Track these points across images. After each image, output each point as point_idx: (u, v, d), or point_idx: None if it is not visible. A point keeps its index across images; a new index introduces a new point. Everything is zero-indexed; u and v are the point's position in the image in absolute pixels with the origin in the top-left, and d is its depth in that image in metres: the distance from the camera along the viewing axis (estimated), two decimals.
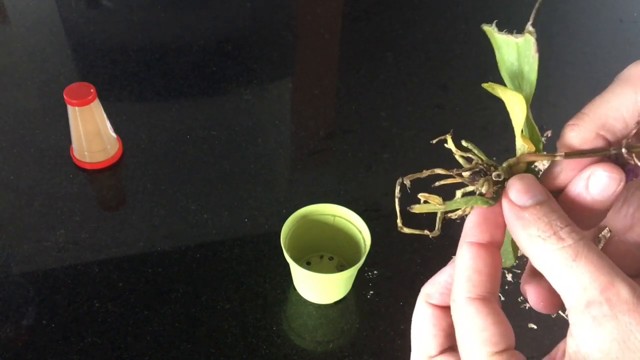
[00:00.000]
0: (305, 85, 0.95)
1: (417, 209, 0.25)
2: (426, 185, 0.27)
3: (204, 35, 1.01)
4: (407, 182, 0.26)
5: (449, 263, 0.27)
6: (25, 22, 1.00)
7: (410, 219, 0.26)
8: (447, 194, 0.26)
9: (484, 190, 0.25)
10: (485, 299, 0.24)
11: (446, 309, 0.27)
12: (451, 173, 0.26)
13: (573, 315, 0.22)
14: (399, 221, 0.26)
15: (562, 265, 0.22)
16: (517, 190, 0.24)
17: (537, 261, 0.23)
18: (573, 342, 0.22)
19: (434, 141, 0.29)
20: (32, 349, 0.60)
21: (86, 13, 1.05)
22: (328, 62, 1.00)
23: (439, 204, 0.25)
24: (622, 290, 0.21)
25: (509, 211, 0.24)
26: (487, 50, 0.29)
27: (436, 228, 0.27)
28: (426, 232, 0.27)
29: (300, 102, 0.91)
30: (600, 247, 0.25)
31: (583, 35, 1.09)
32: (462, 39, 1.04)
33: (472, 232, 0.25)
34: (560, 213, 0.24)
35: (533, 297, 0.29)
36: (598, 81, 0.97)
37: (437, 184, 0.27)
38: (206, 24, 1.04)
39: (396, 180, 0.26)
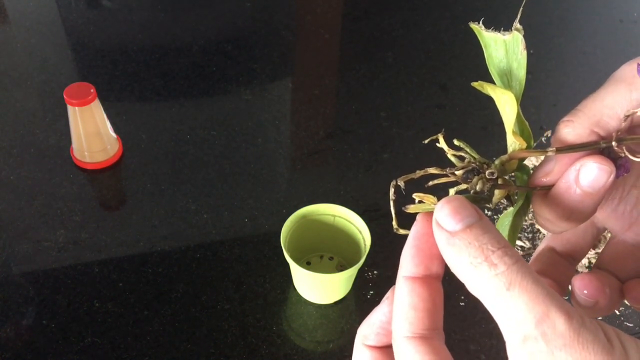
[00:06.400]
0: (305, 85, 0.95)
1: (412, 209, 0.25)
2: (422, 186, 0.27)
3: (204, 35, 1.01)
4: (401, 183, 0.26)
5: (383, 300, 0.26)
6: (25, 22, 1.00)
7: (408, 220, 0.26)
8: (444, 193, 0.26)
9: (478, 188, 0.25)
10: (423, 338, 0.23)
11: (384, 349, 0.26)
12: (444, 172, 0.26)
13: (510, 349, 0.21)
14: (394, 223, 0.26)
15: (497, 295, 0.21)
16: (445, 214, 0.23)
17: (473, 289, 0.22)
18: None
19: (426, 141, 0.28)
20: (32, 349, 0.60)
21: (86, 13, 1.05)
22: (328, 62, 1.00)
23: (434, 203, 0.25)
24: (558, 322, 0.20)
25: (440, 238, 0.23)
26: None
27: None
28: None
29: (300, 102, 0.91)
30: (600, 250, 0.25)
31: (583, 35, 1.09)
32: (462, 39, 1.04)
33: (406, 266, 0.24)
34: (492, 234, 0.22)
35: None
36: (598, 81, 0.96)
37: (430, 183, 0.27)
38: (206, 24, 1.04)
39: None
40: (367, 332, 0.26)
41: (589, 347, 0.20)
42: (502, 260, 0.21)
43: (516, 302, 0.21)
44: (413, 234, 0.25)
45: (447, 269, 0.25)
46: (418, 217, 0.25)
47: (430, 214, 0.24)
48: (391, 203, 0.26)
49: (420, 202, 0.25)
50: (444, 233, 0.23)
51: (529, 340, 0.20)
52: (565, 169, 0.26)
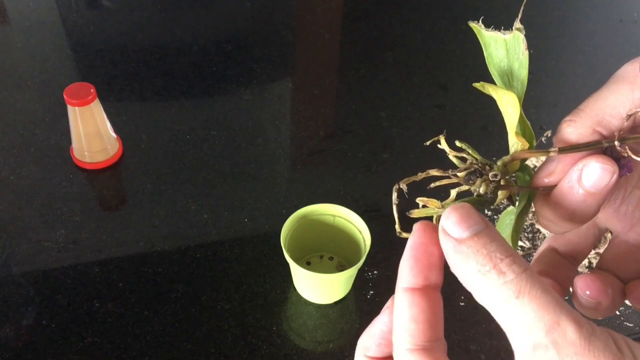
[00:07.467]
0: (305, 85, 0.95)
1: (416, 213, 0.25)
2: (424, 187, 0.27)
3: (204, 35, 1.01)
4: (403, 186, 0.26)
5: (383, 310, 0.26)
6: (25, 22, 1.00)
7: (410, 223, 0.26)
8: (446, 194, 0.26)
9: (481, 191, 0.25)
10: (425, 349, 0.23)
11: None
12: (447, 174, 0.26)
13: (519, 358, 0.21)
14: (397, 227, 0.26)
15: (505, 303, 0.21)
16: (453, 222, 0.23)
17: (480, 298, 0.22)
18: None
19: (428, 143, 0.28)
20: (32, 349, 0.60)
21: (86, 13, 1.05)
22: (328, 62, 1.00)
23: (438, 207, 0.25)
24: (569, 330, 0.20)
25: (447, 245, 0.23)
26: None
27: None
28: None
29: (300, 102, 0.91)
30: (602, 250, 0.25)
31: (583, 35, 1.09)
32: (462, 39, 1.04)
33: (405, 277, 0.24)
34: (500, 242, 0.22)
35: None
36: (598, 81, 0.96)
37: (432, 185, 0.27)
38: (206, 24, 1.04)
39: (397, 181, 0.26)
40: (368, 343, 0.26)
41: (600, 355, 0.19)
42: (511, 268, 0.21)
43: (525, 311, 0.20)
44: (410, 245, 0.24)
45: (446, 272, 0.24)
46: (415, 227, 0.25)
47: (427, 223, 0.24)
48: (394, 207, 0.26)
49: (424, 206, 0.25)
50: (451, 240, 0.23)
51: (539, 349, 0.20)
52: (567, 169, 0.26)
